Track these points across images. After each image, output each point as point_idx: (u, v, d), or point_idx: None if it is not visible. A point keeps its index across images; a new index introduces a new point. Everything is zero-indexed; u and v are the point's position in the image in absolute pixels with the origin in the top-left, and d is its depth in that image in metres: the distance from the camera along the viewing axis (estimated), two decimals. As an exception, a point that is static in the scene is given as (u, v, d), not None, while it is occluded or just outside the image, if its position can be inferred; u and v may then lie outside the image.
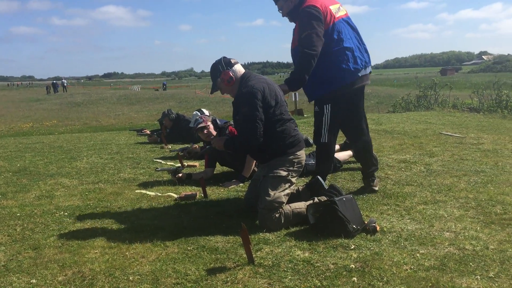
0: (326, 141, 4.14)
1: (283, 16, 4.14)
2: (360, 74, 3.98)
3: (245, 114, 3.48)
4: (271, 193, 3.42)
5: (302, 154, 3.66)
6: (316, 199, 3.56)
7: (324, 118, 4.09)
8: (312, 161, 4.90)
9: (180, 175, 4.94)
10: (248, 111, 3.45)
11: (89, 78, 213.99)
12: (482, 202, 3.82)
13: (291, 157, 3.57)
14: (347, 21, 4.03)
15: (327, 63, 3.92)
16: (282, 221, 3.37)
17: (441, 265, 2.64)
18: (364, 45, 4.10)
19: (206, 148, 4.22)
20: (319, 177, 3.85)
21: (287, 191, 3.52)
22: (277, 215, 3.36)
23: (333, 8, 3.95)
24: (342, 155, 5.32)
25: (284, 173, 3.52)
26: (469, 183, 4.41)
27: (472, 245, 2.91)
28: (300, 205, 3.49)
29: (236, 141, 3.71)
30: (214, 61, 3.74)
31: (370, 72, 4.18)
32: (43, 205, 4.25)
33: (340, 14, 3.99)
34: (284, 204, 3.45)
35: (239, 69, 3.67)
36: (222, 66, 3.66)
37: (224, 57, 3.72)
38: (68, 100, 34.86)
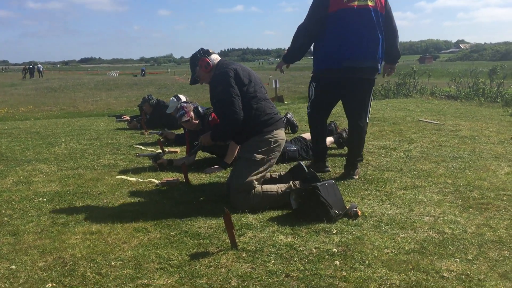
0: (309, 110, 4.46)
1: None
2: (344, 65, 4.02)
3: (221, 93, 3.63)
4: (243, 176, 3.51)
5: (279, 133, 3.71)
6: (291, 183, 3.60)
7: (309, 92, 4.45)
8: (294, 148, 4.91)
9: (161, 161, 4.90)
10: (223, 89, 3.61)
11: (66, 63, 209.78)
12: (460, 187, 3.89)
13: (267, 136, 3.63)
14: (360, 12, 3.96)
15: (320, 44, 4.16)
16: (251, 201, 3.45)
17: (421, 248, 2.69)
18: (371, 40, 4.02)
19: (195, 147, 4.27)
20: (301, 162, 3.88)
21: (261, 174, 3.59)
22: (246, 195, 3.46)
23: None
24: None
25: (259, 157, 3.57)
26: (448, 169, 4.48)
27: (451, 229, 2.97)
28: (272, 188, 3.54)
29: (220, 127, 3.79)
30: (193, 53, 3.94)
31: (374, 69, 4.17)
32: (21, 191, 4.17)
33: (354, 3, 3.95)
34: (256, 185, 3.52)
35: (215, 57, 3.88)
36: (200, 54, 3.86)
37: (202, 48, 3.91)
38: (44, 85, 34.09)
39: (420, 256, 2.59)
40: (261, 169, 3.58)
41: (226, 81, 3.60)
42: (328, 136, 5.52)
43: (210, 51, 3.88)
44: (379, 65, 4.19)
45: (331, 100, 4.40)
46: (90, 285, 2.38)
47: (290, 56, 4.39)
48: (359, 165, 4.41)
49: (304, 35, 4.19)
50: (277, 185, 3.59)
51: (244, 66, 3.84)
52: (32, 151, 6.15)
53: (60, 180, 4.53)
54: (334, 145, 5.53)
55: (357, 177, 4.28)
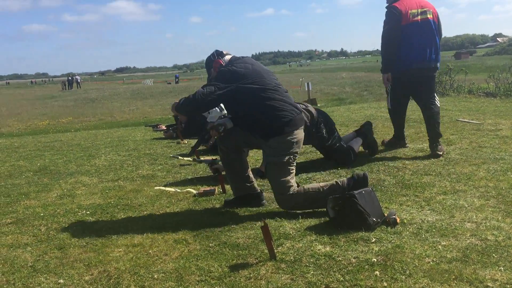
0: (389, 107, 5.63)
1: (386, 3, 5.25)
2: (413, 67, 5.07)
3: (209, 82, 3.74)
4: (276, 180, 3.58)
5: (299, 133, 3.67)
6: (334, 181, 3.63)
7: (387, 91, 5.53)
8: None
9: (216, 166, 4.82)
10: (213, 79, 3.71)
11: (102, 74, 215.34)
12: (502, 190, 3.79)
13: (288, 138, 3.58)
14: (422, 24, 5.01)
15: (398, 51, 5.10)
16: (294, 200, 3.55)
17: (464, 256, 2.64)
18: (433, 45, 5.08)
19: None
20: (366, 172, 3.79)
21: (291, 174, 3.62)
22: (288, 195, 3.54)
23: (412, 12, 4.99)
24: (356, 145, 5.28)
25: (285, 158, 3.58)
26: (489, 171, 4.36)
27: (494, 236, 2.90)
28: (315, 186, 3.62)
29: (188, 99, 3.78)
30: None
31: (436, 68, 5.20)
32: (65, 204, 4.33)
33: (417, 18, 5.00)
34: (293, 184, 3.59)
35: (228, 58, 3.83)
36: (214, 56, 3.87)
37: (217, 50, 3.91)
38: (82, 96, 35.14)
39: (463, 265, 2.54)
40: (289, 167, 3.61)
41: (218, 78, 3.66)
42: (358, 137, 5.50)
43: (224, 52, 3.86)
44: (438, 64, 5.19)
45: (404, 94, 5.43)
46: (134, 298, 2.45)
47: (386, 65, 5.26)
48: (441, 141, 5.24)
49: (389, 41, 5.07)
50: (320, 183, 3.67)
51: (253, 66, 3.70)
52: (74, 164, 6.36)
53: (102, 193, 4.67)
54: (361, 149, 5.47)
55: (441, 153, 5.05)
